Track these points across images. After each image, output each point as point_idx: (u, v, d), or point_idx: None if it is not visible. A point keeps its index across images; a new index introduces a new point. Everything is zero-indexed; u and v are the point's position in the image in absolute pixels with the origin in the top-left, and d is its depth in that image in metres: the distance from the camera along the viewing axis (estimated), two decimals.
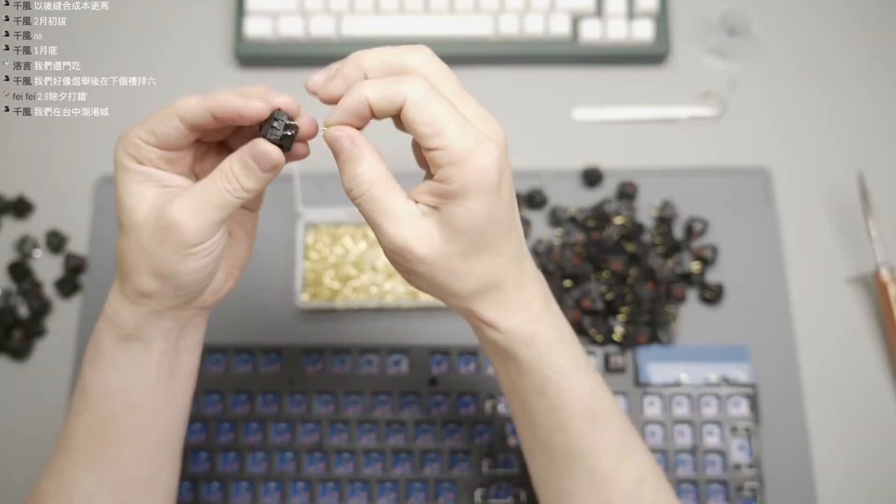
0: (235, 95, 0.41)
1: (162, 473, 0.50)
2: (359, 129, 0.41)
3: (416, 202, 0.41)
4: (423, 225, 0.40)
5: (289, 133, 0.41)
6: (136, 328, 0.45)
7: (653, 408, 0.64)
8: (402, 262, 0.42)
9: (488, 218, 0.40)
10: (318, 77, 0.42)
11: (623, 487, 0.47)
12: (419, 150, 0.42)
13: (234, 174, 0.41)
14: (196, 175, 0.45)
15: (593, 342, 0.66)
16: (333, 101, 0.41)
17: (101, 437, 0.47)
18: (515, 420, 0.50)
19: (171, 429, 0.49)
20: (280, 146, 0.41)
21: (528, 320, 0.44)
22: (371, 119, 0.41)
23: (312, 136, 0.43)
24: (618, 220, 0.68)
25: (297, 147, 0.42)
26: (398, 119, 0.41)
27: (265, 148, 0.41)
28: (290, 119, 0.41)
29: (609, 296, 0.66)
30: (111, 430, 0.47)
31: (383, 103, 0.39)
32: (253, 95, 0.41)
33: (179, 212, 0.41)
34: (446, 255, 0.41)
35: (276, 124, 0.40)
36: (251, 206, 0.48)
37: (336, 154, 0.41)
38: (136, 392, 0.46)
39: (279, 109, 0.41)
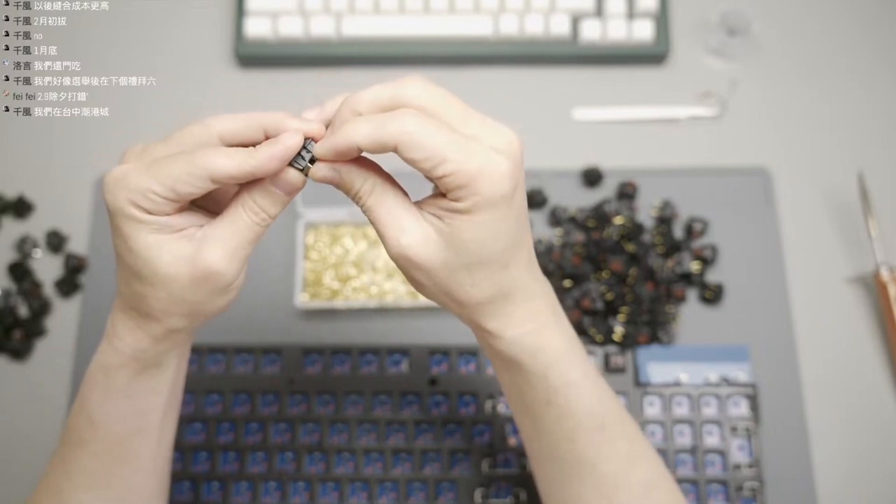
0: (274, 144, 0.39)
1: (159, 480, 0.50)
2: None
3: (422, 209, 0.40)
4: (426, 233, 0.40)
5: (314, 160, 0.40)
6: (157, 357, 0.44)
7: (653, 408, 0.64)
8: (405, 269, 0.41)
9: (497, 231, 0.39)
10: (312, 114, 0.41)
11: (633, 493, 0.47)
12: None
13: (259, 205, 0.40)
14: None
15: (593, 342, 0.66)
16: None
17: (106, 460, 0.46)
18: (521, 429, 0.49)
19: (169, 437, 0.49)
20: (301, 170, 0.40)
21: (536, 331, 0.44)
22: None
23: None
24: (618, 220, 0.68)
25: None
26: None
27: (292, 176, 0.40)
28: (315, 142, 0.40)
29: (609, 296, 0.66)
30: (117, 453, 0.46)
31: (374, 147, 0.38)
32: (280, 129, 0.40)
33: (217, 259, 0.40)
34: (450, 265, 0.40)
35: (304, 154, 0.40)
36: None
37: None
38: (149, 414, 0.46)
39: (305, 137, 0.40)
